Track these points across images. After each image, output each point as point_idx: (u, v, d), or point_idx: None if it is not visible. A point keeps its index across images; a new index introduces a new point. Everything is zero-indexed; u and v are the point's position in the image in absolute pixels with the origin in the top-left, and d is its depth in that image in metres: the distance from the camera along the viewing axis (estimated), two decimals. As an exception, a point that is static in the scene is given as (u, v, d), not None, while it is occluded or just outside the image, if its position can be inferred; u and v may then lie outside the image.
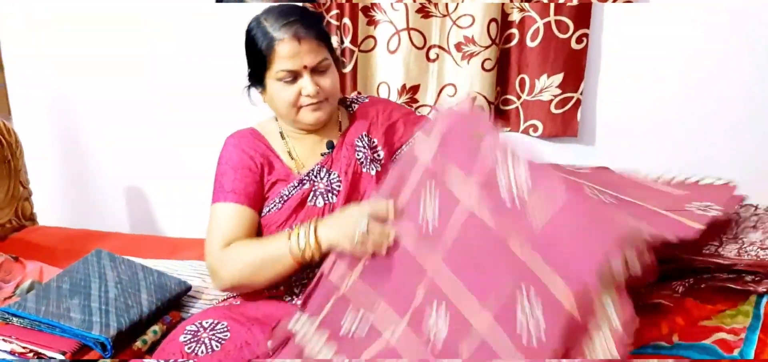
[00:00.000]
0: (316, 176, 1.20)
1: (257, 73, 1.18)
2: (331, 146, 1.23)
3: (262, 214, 1.20)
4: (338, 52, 1.81)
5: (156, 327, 1.26)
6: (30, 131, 2.12)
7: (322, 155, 1.23)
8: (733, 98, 1.80)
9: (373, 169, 1.21)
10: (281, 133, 1.25)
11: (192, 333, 1.06)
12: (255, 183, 1.17)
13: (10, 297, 1.37)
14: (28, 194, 1.94)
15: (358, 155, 1.22)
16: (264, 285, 1.13)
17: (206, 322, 1.08)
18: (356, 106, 1.31)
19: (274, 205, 1.18)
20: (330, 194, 1.18)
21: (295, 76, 1.14)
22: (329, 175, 1.20)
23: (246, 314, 1.13)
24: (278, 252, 1.08)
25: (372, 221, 1.00)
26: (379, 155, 1.24)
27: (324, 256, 1.05)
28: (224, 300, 1.24)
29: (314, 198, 1.18)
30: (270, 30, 1.13)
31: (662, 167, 1.81)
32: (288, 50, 1.12)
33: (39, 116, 2.30)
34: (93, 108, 2.24)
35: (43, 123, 2.31)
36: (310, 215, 1.16)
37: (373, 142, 1.25)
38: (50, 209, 2.14)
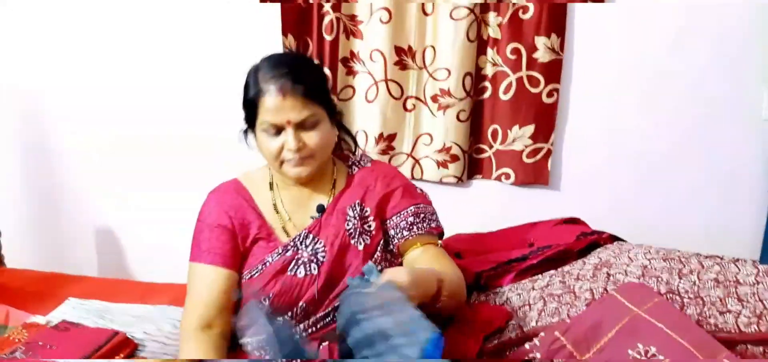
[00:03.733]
0: (301, 243, 1.17)
1: (249, 121, 1.17)
2: (321, 209, 1.20)
3: (243, 277, 1.17)
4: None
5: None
6: None
7: (311, 218, 1.20)
8: (694, 150, 1.89)
9: (361, 242, 1.17)
10: (270, 184, 1.23)
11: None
12: (231, 242, 1.16)
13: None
14: (-4, 236, 1.90)
15: (347, 225, 1.18)
16: None
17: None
18: (357, 169, 1.26)
19: (256, 271, 1.16)
20: (313, 265, 1.15)
21: (278, 129, 1.12)
22: (315, 243, 1.17)
23: None
24: None
25: None
26: (369, 227, 1.19)
27: None
28: None
29: (296, 267, 1.15)
30: (260, 80, 1.11)
31: (627, 213, 1.89)
32: (272, 104, 1.09)
33: (7, 157, 2.26)
34: (63, 150, 2.22)
35: (12, 164, 2.28)
36: (289, 285, 1.14)
37: (365, 212, 1.20)
38: (18, 251, 2.09)
